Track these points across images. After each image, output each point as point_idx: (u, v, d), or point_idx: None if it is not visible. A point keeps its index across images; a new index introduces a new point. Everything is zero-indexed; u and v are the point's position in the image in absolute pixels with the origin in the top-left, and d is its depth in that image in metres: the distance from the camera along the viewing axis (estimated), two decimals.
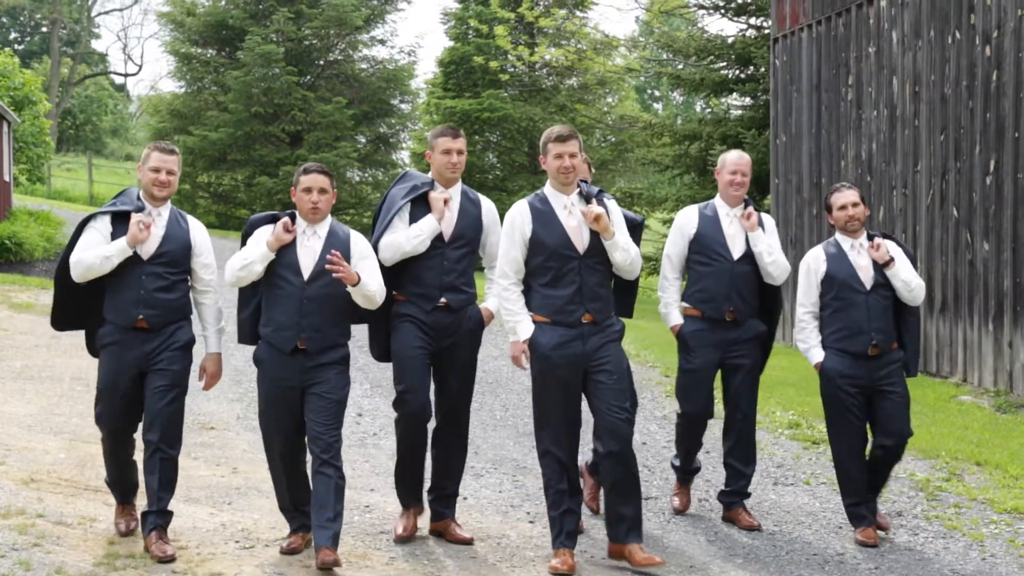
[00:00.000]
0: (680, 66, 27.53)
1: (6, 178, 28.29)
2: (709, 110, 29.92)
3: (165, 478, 7.15)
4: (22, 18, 67.37)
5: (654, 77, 35.67)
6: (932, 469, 9.85)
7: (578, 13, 37.88)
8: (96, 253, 7.04)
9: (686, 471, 8.63)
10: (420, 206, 7.52)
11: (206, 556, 7.08)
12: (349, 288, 7.03)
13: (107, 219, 7.20)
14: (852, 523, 7.99)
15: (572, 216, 7.12)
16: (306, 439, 7.18)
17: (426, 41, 65.27)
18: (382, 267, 7.35)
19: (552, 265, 7.09)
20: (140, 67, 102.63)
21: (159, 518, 7.09)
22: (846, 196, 7.97)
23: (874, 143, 16.10)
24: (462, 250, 7.61)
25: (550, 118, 35.28)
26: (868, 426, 8.00)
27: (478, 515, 8.39)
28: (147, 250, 7.14)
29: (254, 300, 7.28)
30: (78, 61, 64.25)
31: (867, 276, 7.87)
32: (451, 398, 7.72)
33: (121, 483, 7.54)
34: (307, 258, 7.08)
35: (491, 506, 8.64)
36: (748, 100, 25.69)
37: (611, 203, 7.31)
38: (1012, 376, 13.11)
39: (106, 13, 69.92)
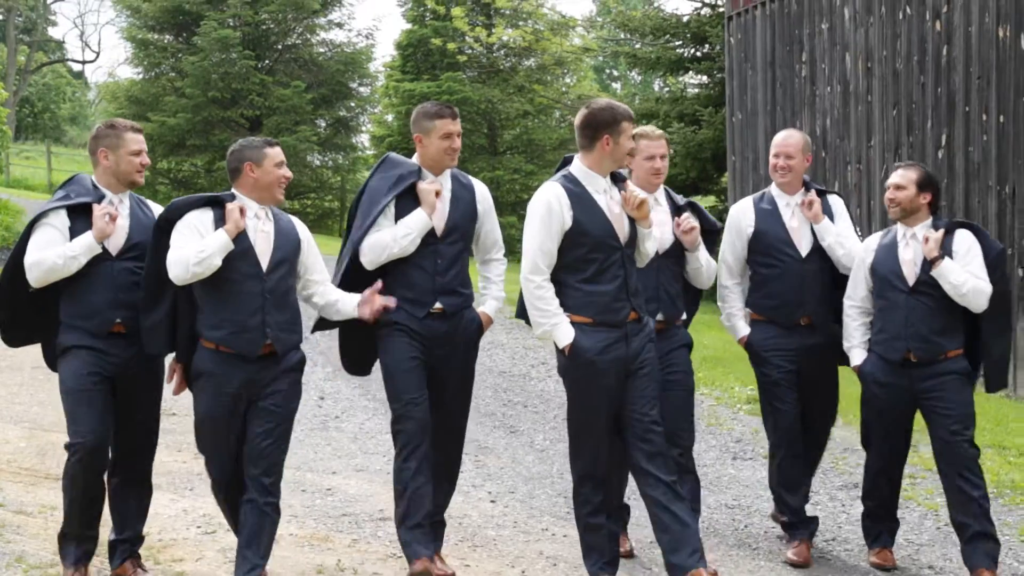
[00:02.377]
0: (637, 45, 27.60)
1: None
2: (666, 88, 30.03)
3: (143, 506, 6.52)
4: None
5: (611, 57, 35.75)
6: None
7: None
8: (58, 252, 6.01)
9: (798, 521, 7.16)
10: (407, 199, 6.42)
11: (167, 542, 7.10)
12: (348, 312, 6.27)
13: (63, 213, 6.15)
14: (866, 540, 7.09)
15: (613, 201, 6.14)
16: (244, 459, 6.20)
17: (384, 24, 65.16)
18: (363, 270, 6.44)
19: (595, 257, 6.05)
20: (98, 54, 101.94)
21: (134, 545, 6.47)
22: (892, 176, 6.81)
23: (828, 119, 16.18)
24: (457, 245, 6.55)
25: (508, 99, 35.42)
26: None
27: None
28: (115, 244, 6.17)
29: (164, 299, 6.10)
30: (35, 49, 63.77)
31: (911, 272, 6.62)
32: (445, 415, 6.64)
33: (84, 523, 6.32)
34: (263, 244, 6.09)
35: (457, 493, 8.65)
36: (704, 78, 25.76)
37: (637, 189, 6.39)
38: None
39: (62, 1, 69.49)
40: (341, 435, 10.15)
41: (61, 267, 6.03)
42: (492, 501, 8.29)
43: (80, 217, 6.14)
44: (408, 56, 37.20)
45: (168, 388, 6.41)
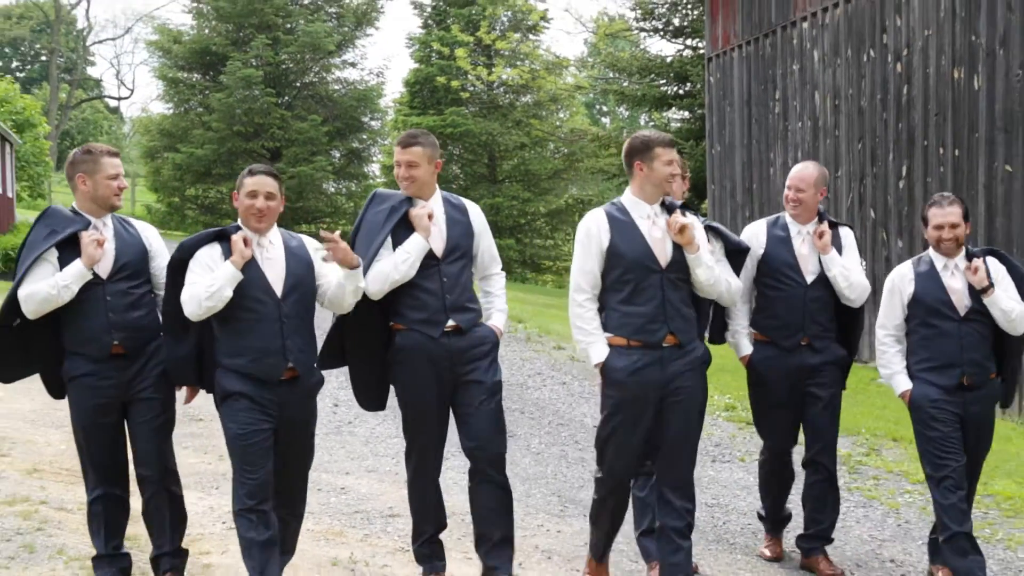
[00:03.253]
0: (624, 83, 27.64)
1: (9, 194, 28.13)
2: (651, 123, 30.01)
3: (176, 516, 6.09)
4: (23, 48, 66.92)
5: (601, 94, 35.82)
6: (853, 445, 9.95)
7: (531, 36, 37.99)
8: (51, 283, 5.59)
9: (775, 520, 7.10)
10: (402, 228, 6.04)
11: (196, 536, 7.08)
12: (342, 277, 5.74)
13: (53, 249, 5.71)
14: (930, 557, 6.68)
15: (656, 226, 5.84)
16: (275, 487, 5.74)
17: (393, 63, 65.16)
18: (368, 302, 5.99)
19: (631, 278, 5.79)
20: (132, 91, 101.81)
21: (174, 558, 6.07)
22: (944, 215, 6.28)
23: (799, 151, 16.20)
24: (459, 263, 6.14)
25: (507, 132, 35.51)
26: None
27: (444, 495, 8.40)
28: (104, 268, 5.75)
29: (188, 335, 5.73)
30: (75, 87, 63.88)
31: (961, 302, 6.25)
32: (480, 435, 6.10)
33: (112, 542, 6.04)
34: (273, 272, 5.65)
35: (455, 486, 8.66)
36: (686, 114, 25.83)
37: (692, 217, 5.98)
38: None
39: (100, 43, 69.89)
40: (354, 439, 10.16)
41: (55, 297, 5.61)
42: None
43: (66, 246, 5.70)
44: (415, 92, 37.31)
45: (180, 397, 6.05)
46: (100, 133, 64.22)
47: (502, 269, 6.64)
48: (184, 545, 6.18)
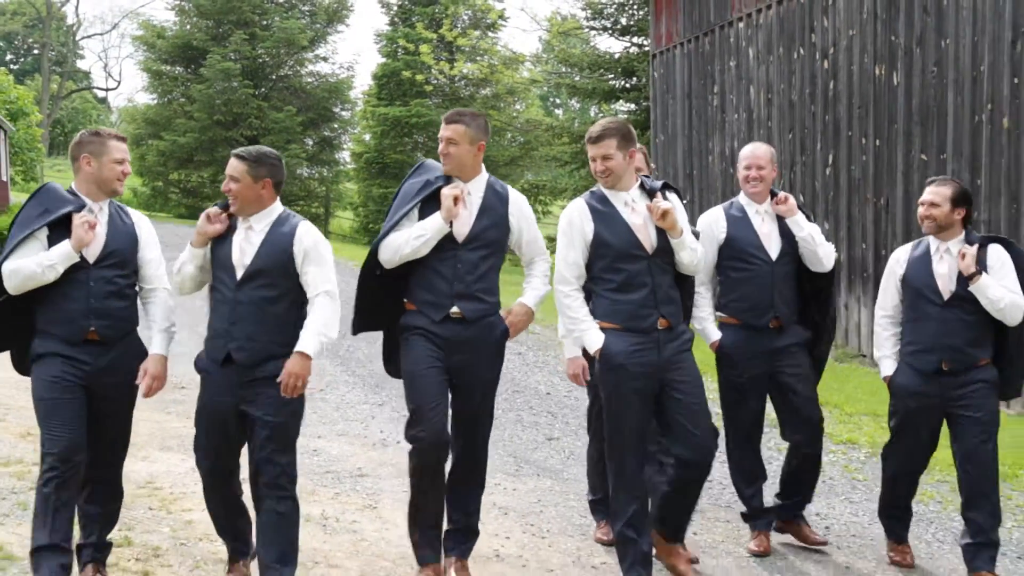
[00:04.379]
0: (576, 78, 27.59)
1: (3, 178, 27.84)
2: (601, 114, 30.03)
3: (111, 512, 5.54)
4: (16, 41, 66.21)
5: (554, 87, 35.68)
6: None
7: (490, 33, 37.97)
8: (36, 261, 5.07)
9: (755, 514, 6.44)
10: (432, 203, 5.49)
11: (178, 495, 7.06)
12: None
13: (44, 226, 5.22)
14: (887, 533, 6.28)
15: (636, 213, 5.40)
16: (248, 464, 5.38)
17: (362, 58, 64.85)
18: (383, 270, 5.52)
19: (620, 267, 5.36)
20: (119, 83, 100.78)
21: (96, 551, 5.47)
22: (927, 191, 5.89)
23: (735, 141, 16.26)
24: (480, 252, 5.49)
25: None
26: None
27: (406, 455, 8.40)
28: (92, 252, 5.20)
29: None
30: (65, 78, 63.25)
31: (946, 286, 5.76)
32: (467, 424, 5.63)
33: (58, 534, 5.15)
34: (240, 256, 5.18)
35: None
36: (632, 106, 25.81)
37: (674, 198, 5.58)
38: (847, 332, 13.38)
39: (89, 37, 69.19)
40: (325, 405, 10.14)
41: (39, 275, 5.08)
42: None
43: (58, 226, 5.19)
44: (383, 85, 37.22)
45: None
46: (89, 122, 63.56)
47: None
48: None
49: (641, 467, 5.47)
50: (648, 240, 5.38)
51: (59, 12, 61.92)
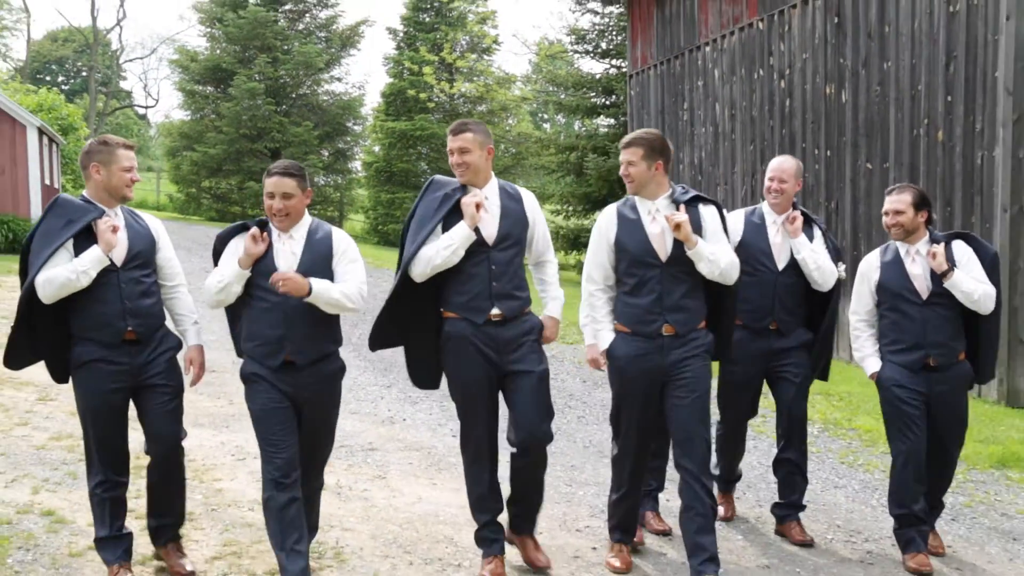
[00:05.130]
0: (561, 96, 27.56)
1: (56, 185, 27.76)
2: (584, 128, 30.01)
3: (179, 489, 5.27)
4: (67, 65, 66.10)
5: (542, 104, 35.77)
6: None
7: (485, 56, 37.92)
8: (69, 269, 4.73)
9: (728, 480, 6.38)
10: (455, 215, 5.13)
11: (209, 466, 7.07)
12: (307, 300, 4.82)
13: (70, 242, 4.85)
14: (901, 548, 5.61)
15: (655, 222, 5.08)
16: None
17: (372, 78, 64.79)
18: (415, 284, 5.14)
19: (634, 272, 5.09)
20: (157, 101, 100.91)
21: (174, 528, 5.30)
22: (890, 202, 5.57)
23: (703, 152, 16.28)
24: (510, 251, 5.18)
25: None
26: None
27: (412, 431, 8.42)
28: (119, 255, 4.91)
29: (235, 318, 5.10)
30: (110, 97, 63.10)
31: (923, 286, 5.49)
32: (526, 416, 5.14)
33: (114, 529, 5.04)
34: (285, 265, 4.85)
35: (423, 425, 8.68)
36: (612, 121, 25.80)
37: (707, 208, 5.17)
38: None
39: (130, 61, 68.94)
40: None
41: (74, 282, 4.75)
42: (453, 436, 8.31)
43: (80, 234, 4.86)
44: (390, 102, 37.14)
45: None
46: (130, 135, 63.49)
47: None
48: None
49: (640, 466, 5.27)
50: (663, 249, 5.05)
51: (105, 39, 61.74)
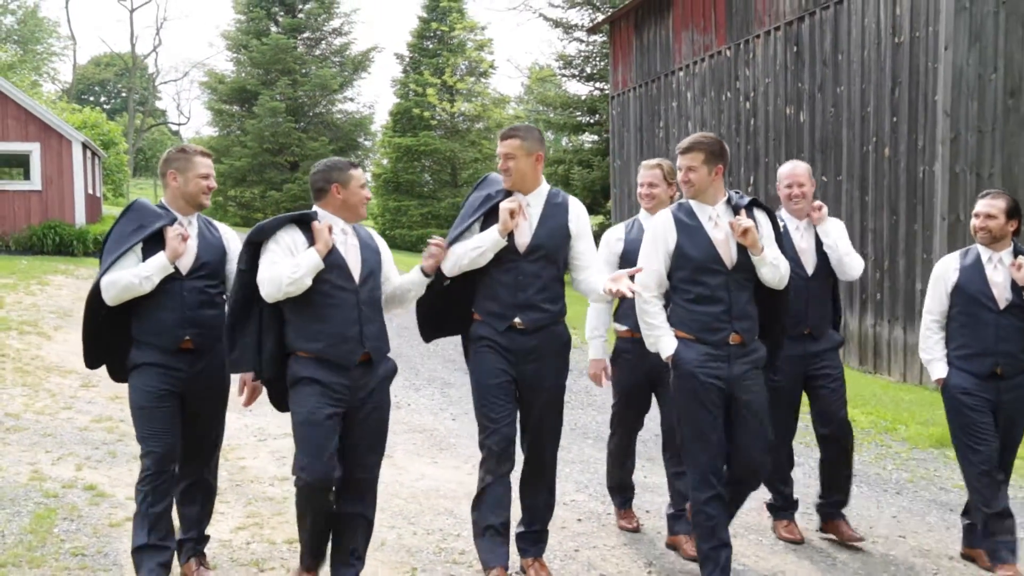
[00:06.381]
0: (551, 115, 27.60)
1: (97, 194, 27.72)
2: (570, 144, 30.04)
3: (207, 506, 4.72)
4: (108, 87, 66.06)
5: (533, 122, 35.75)
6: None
7: (482, 79, 37.91)
8: (134, 272, 4.31)
9: (788, 500, 5.51)
10: (493, 217, 4.58)
11: (234, 446, 7.07)
12: (415, 281, 4.45)
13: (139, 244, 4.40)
14: (989, 558, 4.94)
15: (718, 228, 4.44)
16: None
17: (381, 98, 65.04)
18: (447, 280, 4.65)
19: (698, 280, 4.40)
20: (188, 119, 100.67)
21: (198, 543, 4.71)
22: (984, 205, 4.94)
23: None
24: (540, 263, 4.54)
25: (465, 150, 35.47)
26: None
27: (416, 415, 8.43)
28: (185, 264, 4.42)
29: (252, 319, 4.26)
30: (146, 115, 63.01)
31: (1002, 294, 4.86)
32: (535, 432, 4.67)
33: (160, 535, 4.39)
34: (353, 258, 4.26)
35: (426, 409, 8.69)
36: (595, 137, 25.84)
37: (761, 214, 4.57)
38: None
39: (165, 83, 69.11)
40: None
41: (136, 286, 4.32)
42: (453, 419, 8.32)
43: (151, 239, 4.41)
44: (397, 120, 37.14)
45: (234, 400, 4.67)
46: (164, 150, 63.42)
47: None
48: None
49: (719, 465, 4.44)
50: (728, 255, 4.42)
51: (142, 63, 61.61)
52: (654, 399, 5.36)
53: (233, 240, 4.65)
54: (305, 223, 4.24)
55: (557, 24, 26.97)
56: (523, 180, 4.59)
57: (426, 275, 4.44)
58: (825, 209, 5.30)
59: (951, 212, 9.99)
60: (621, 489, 5.65)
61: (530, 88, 43.01)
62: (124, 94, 63.03)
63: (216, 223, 4.69)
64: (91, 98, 63.42)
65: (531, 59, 67.32)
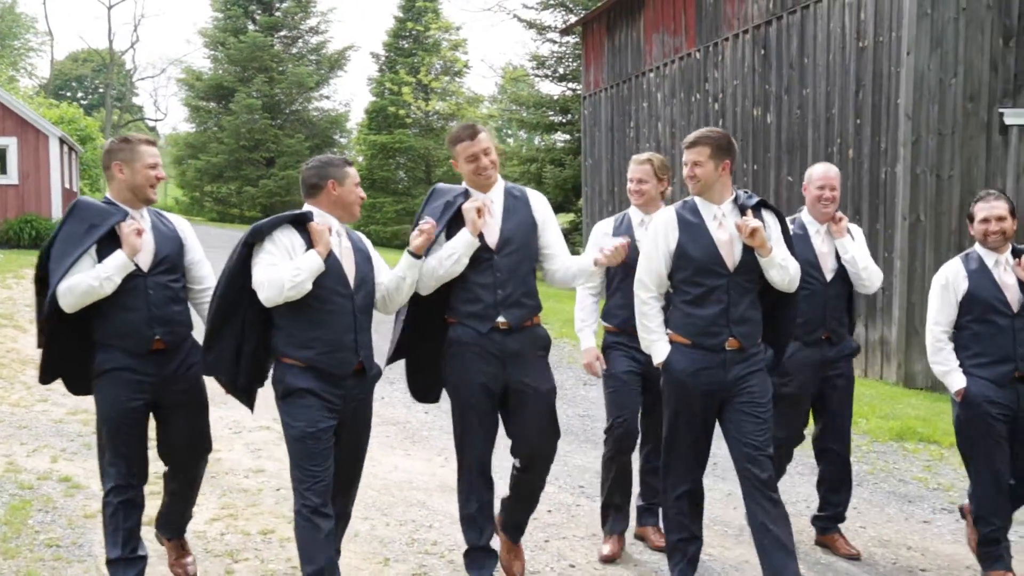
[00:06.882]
0: (524, 114, 27.59)
1: (74, 189, 27.47)
2: (543, 143, 30.05)
3: (186, 514, 4.52)
4: (86, 83, 65.43)
5: (507, 121, 35.79)
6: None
7: (457, 79, 37.91)
8: (92, 275, 3.91)
9: (838, 512, 5.15)
10: (458, 222, 4.25)
11: None
12: (404, 267, 4.09)
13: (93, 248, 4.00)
14: (983, 564, 4.70)
15: (723, 228, 4.17)
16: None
17: (357, 96, 64.65)
18: (418, 296, 4.27)
19: (697, 281, 4.15)
20: (165, 115, 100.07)
21: (178, 531, 4.55)
22: (990, 208, 4.62)
23: None
24: (514, 256, 4.28)
25: (439, 148, 35.43)
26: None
27: (390, 408, 8.40)
28: (145, 260, 4.06)
29: (233, 324, 3.92)
30: (124, 111, 62.39)
31: (1014, 297, 4.57)
32: (531, 437, 4.33)
33: (130, 548, 4.16)
34: (348, 262, 3.97)
35: (399, 403, 8.66)
36: (567, 136, 25.86)
37: (770, 217, 4.31)
38: None
39: (143, 79, 68.47)
40: None
41: (97, 289, 3.92)
42: (426, 412, 8.31)
43: (103, 239, 4.01)
44: (373, 118, 37.08)
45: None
46: None
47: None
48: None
49: (692, 480, 4.31)
50: (731, 257, 4.15)
51: (120, 60, 60.99)
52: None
53: (188, 230, 4.33)
54: (301, 224, 3.92)
55: (531, 25, 26.98)
56: (494, 177, 4.37)
57: (415, 256, 4.09)
58: (845, 221, 5.01)
59: (912, 212, 10.10)
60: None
61: (503, 88, 42.98)
62: (102, 90, 62.47)
63: (168, 214, 4.34)
64: (68, 94, 62.78)
65: (505, 59, 67.40)
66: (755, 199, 4.28)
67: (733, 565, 4.88)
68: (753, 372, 4.18)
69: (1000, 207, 4.60)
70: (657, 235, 4.24)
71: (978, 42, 10.00)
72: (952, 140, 10.03)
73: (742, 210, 4.21)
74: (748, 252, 4.16)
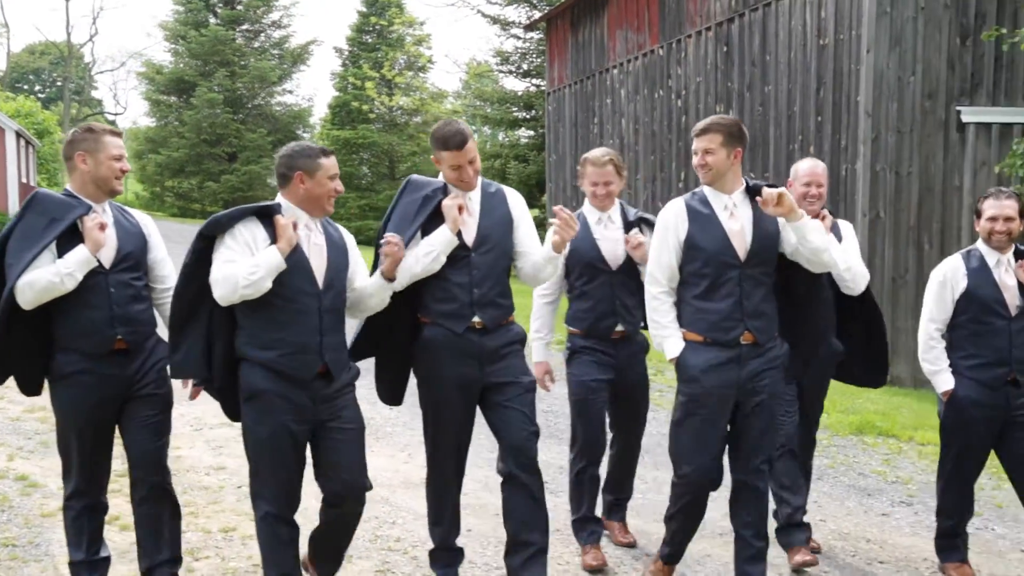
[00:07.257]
0: (488, 110, 27.59)
1: (31, 183, 27.11)
2: (507, 139, 30.06)
3: (173, 518, 4.12)
4: (43, 75, 64.53)
5: (471, 117, 35.69)
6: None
7: (421, 74, 37.82)
8: (53, 271, 3.70)
9: (799, 525, 4.87)
10: (436, 219, 4.07)
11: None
12: (375, 285, 3.89)
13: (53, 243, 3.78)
14: (940, 556, 4.71)
15: (734, 218, 4.01)
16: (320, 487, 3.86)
17: (320, 91, 64.28)
18: (399, 292, 4.04)
19: (708, 273, 3.98)
20: (125, 109, 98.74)
21: (172, 566, 4.11)
22: (999, 207, 4.43)
23: None
24: (491, 254, 4.11)
25: (403, 143, 35.38)
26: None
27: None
28: (107, 256, 3.85)
29: (199, 322, 3.69)
30: (82, 104, 61.62)
31: (1013, 299, 4.42)
32: (513, 438, 4.12)
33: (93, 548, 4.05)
34: (317, 259, 3.71)
35: (363, 399, 8.57)
36: (531, 132, 25.88)
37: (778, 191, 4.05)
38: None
39: (102, 72, 67.36)
40: None
41: (58, 285, 3.71)
42: (390, 409, 8.26)
43: (64, 233, 3.79)
44: (336, 113, 36.90)
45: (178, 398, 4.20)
46: None
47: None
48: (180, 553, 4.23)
49: (705, 477, 4.12)
50: (743, 247, 3.99)
51: (78, 53, 60.21)
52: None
53: (151, 227, 4.13)
54: (267, 216, 3.68)
55: (495, 21, 26.95)
56: (470, 187, 4.17)
57: (387, 279, 3.90)
58: (830, 219, 4.70)
59: (871, 209, 10.21)
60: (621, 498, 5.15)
61: (467, 83, 42.92)
62: (60, 83, 61.62)
63: (130, 209, 4.14)
64: (25, 87, 61.86)
65: (469, 55, 67.37)
66: (763, 182, 4.10)
67: (696, 559, 4.91)
68: (768, 370, 4.05)
69: (1010, 207, 4.44)
70: (667, 227, 4.09)
71: (936, 41, 10.12)
72: (911, 137, 10.16)
73: (752, 193, 4.04)
74: (760, 242, 4.01)
